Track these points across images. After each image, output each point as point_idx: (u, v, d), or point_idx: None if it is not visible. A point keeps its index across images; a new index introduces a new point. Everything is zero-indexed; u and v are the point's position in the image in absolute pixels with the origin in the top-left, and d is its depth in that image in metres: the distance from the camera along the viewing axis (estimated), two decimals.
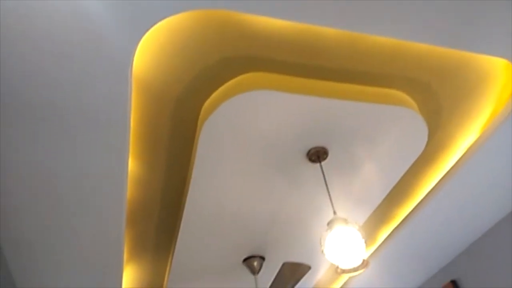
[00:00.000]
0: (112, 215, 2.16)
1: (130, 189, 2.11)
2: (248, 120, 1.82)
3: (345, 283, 3.22)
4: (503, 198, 2.51)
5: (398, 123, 1.92)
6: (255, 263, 2.75)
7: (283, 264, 2.19)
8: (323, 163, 2.04)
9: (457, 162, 2.19)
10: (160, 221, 2.41)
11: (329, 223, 1.77)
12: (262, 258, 2.76)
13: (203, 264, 2.85)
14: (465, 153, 2.15)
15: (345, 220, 1.77)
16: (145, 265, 2.81)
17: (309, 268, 2.17)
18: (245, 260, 2.77)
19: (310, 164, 2.07)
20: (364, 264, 1.65)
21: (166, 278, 2.97)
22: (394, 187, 2.34)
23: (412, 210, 2.50)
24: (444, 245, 2.91)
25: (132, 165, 1.97)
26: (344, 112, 1.83)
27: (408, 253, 2.93)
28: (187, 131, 1.88)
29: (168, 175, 2.11)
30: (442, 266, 3.13)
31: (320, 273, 3.00)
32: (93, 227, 2.24)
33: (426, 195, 2.42)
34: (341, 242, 1.70)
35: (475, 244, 2.87)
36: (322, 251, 1.72)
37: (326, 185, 1.98)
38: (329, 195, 1.94)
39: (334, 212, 1.83)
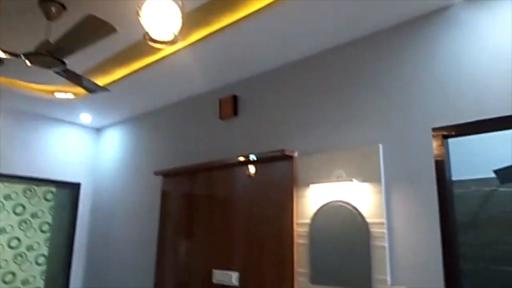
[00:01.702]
0: None
1: None
2: None
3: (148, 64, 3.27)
4: (298, 44, 2.87)
5: None
6: (53, 9, 2.42)
7: (87, 16, 2.00)
8: None
9: None
10: None
11: None
12: (63, 6, 2.44)
13: None
14: None
15: None
16: None
17: (114, 30, 2.05)
18: (41, 1, 2.40)
19: None
20: (174, 40, 1.67)
21: None
22: None
23: (232, 21, 2.59)
24: (239, 64, 3.24)
25: None
26: None
27: (211, 61, 3.15)
28: None
29: None
30: (233, 82, 3.54)
31: (125, 43, 2.92)
32: None
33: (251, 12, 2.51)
34: (160, 12, 1.65)
35: (265, 72, 3.31)
36: (138, 14, 1.64)
37: None
38: None
39: None
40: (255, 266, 2.91)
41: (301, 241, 2.69)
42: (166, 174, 3.84)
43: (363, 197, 2.44)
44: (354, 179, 2.48)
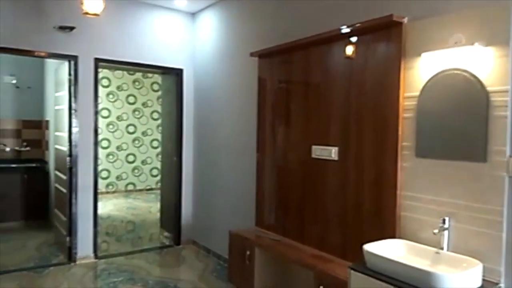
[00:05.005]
0: None
1: None
2: None
3: None
4: None
5: None
6: None
7: None
8: None
9: None
10: None
11: None
12: None
13: None
14: None
15: None
16: None
17: None
18: None
19: None
20: None
21: None
22: None
23: None
24: None
25: None
26: None
27: None
28: None
29: None
30: None
31: None
32: None
33: None
34: None
35: None
36: None
37: None
38: None
39: None
40: (356, 141, 2.89)
41: (408, 114, 2.55)
42: (262, 55, 3.80)
43: (485, 63, 2.16)
44: (476, 43, 2.17)
